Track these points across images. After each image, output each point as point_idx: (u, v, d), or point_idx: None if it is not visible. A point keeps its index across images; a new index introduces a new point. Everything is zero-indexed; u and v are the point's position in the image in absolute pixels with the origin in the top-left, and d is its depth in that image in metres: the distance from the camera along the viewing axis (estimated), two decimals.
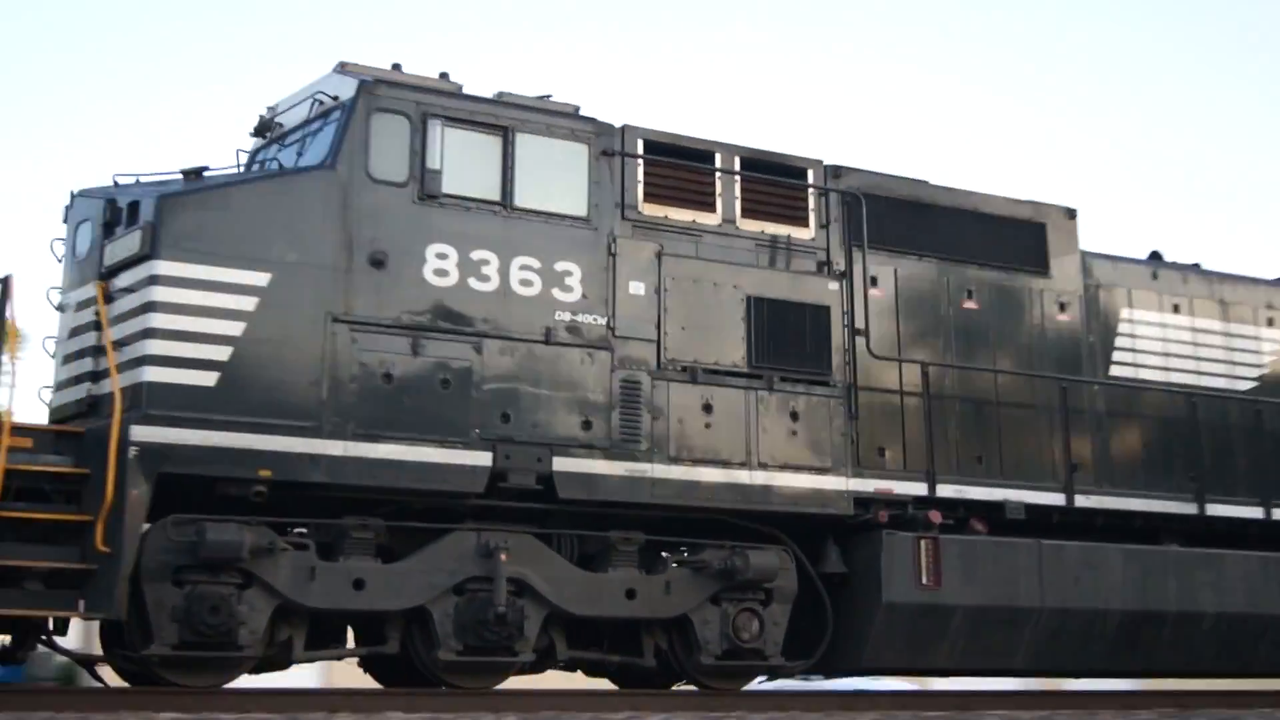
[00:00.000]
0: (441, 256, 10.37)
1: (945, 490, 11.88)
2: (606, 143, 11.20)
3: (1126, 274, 13.97)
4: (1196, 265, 14.63)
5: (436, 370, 10.23)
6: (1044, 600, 12.03)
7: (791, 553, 11.37)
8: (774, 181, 12.17)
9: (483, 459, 10.20)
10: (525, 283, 10.61)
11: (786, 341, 11.46)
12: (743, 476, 11.03)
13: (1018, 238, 13.26)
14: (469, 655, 10.26)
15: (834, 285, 11.80)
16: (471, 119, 10.72)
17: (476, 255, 10.48)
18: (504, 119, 10.83)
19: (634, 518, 10.93)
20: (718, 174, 11.87)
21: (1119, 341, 13.58)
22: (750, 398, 11.24)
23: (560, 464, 10.43)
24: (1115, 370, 13.46)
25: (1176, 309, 14.03)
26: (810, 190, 12.25)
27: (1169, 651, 12.78)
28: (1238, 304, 14.39)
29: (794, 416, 11.36)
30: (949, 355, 12.57)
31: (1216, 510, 13.12)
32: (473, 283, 10.43)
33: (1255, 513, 13.38)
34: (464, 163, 10.61)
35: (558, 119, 11.10)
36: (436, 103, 10.61)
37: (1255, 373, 14.22)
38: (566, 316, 10.71)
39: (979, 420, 12.56)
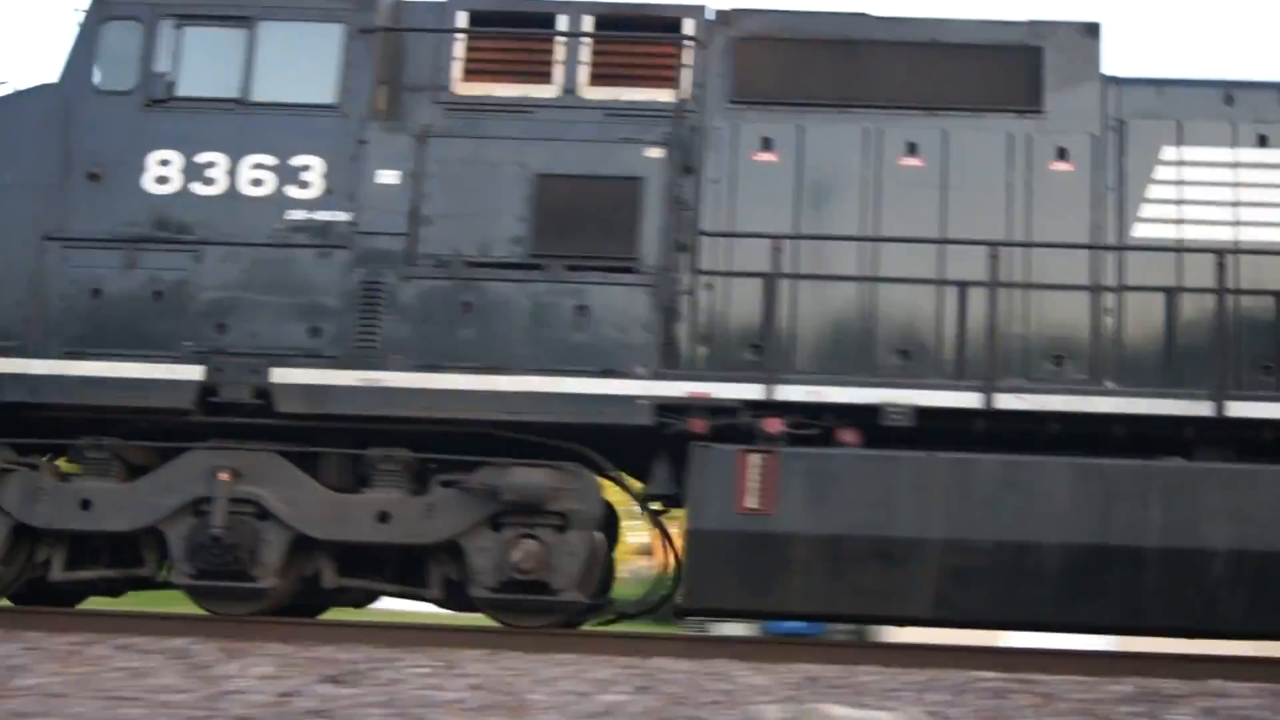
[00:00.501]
0: (163, 164, 9.95)
1: (791, 392, 9.57)
2: (365, 20, 10.12)
3: (1179, 101, 10.50)
4: None
5: (150, 283, 9.83)
6: (937, 531, 9.35)
7: (595, 472, 9.74)
8: (637, 39, 10.45)
9: (193, 373, 9.65)
10: (256, 182, 9.89)
11: (582, 223, 9.78)
12: (504, 383, 9.55)
13: (997, 70, 10.44)
14: (204, 579, 9.75)
15: (653, 153, 9.87)
16: (210, 14, 10.14)
17: (203, 158, 9.93)
18: (248, 8, 10.12)
19: (424, 434, 9.82)
20: (558, 39, 10.38)
21: (1153, 192, 10.26)
22: (524, 291, 9.72)
23: (279, 375, 9.62)
24: (1142, 231, 10.19)
25: (1264, 141, 10.35)
26: (685, 44, 10.39)
27: (1153, 601, 9.47)
28: None
29: (581, 310, 9.68)
30: (871, 228, 10.15)
31: (1242, 410, 9.52)
32: (195, 188, 9.91)
33: None
34: (202, 62, 10.10)
35: (311, 0, 10.19)
36: (172, 2, 10.11)
37: None
38: (301, 215, 9.87)
39: (873, 305, 10.07)
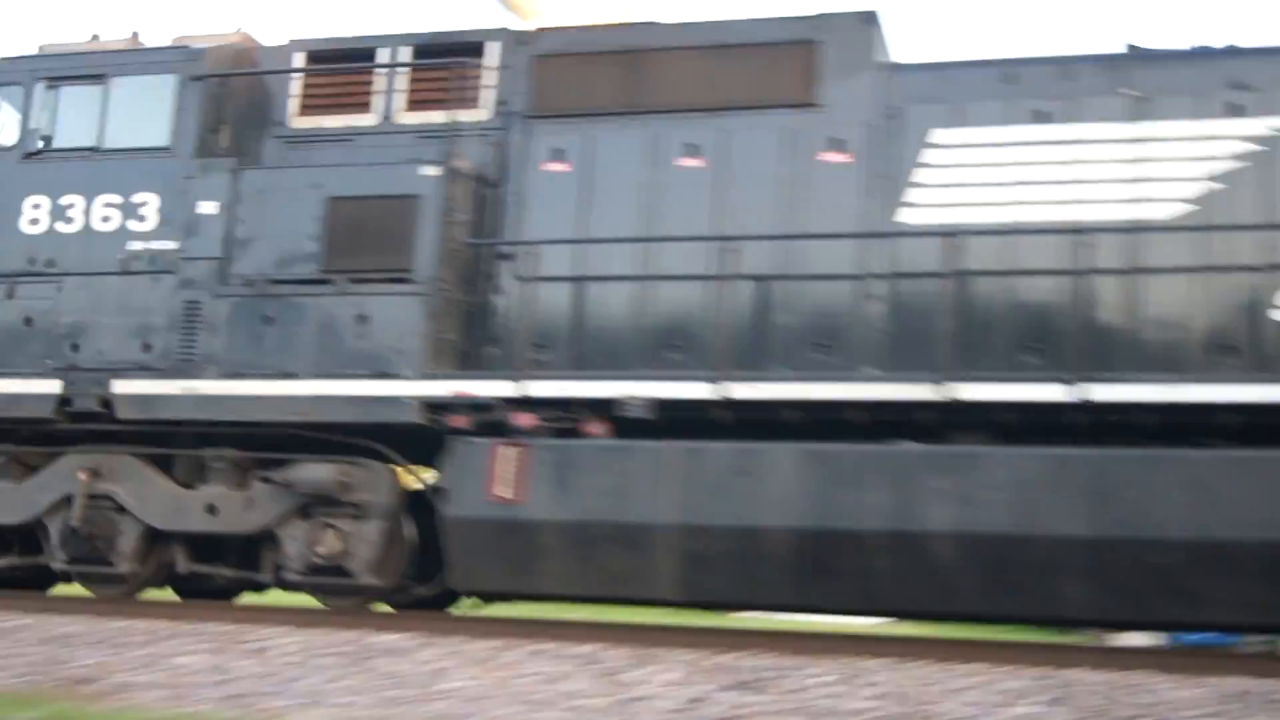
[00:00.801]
0: (35, 207, 11.51)
1: (540, 388, 10.18)
2: (196, 69, 11.36)
3: (955, 84, 10.57)
4: (1122, 52, 10.42)
5: (22, 312, 11.42)
6: (674, 516, 9.77)
7: (388, 466, 10.65)
8: (444, 65, 11.32)
9: (53, 387, 11.16)
10: (105, 219, 11.34)
11: (366, 240, 10.71)
12: (292, 388, 10.60)
13: (774, 67, 10.76)
14: (76, 565, 11.24)
15: (429, 171, 10.67)
16: (75, 74, 11.63)
17: (65, 200, 11.46)
18: (103, 67, 11.55)
19: (253, 435, 10.99)
20: (377, 71, 11.39)
21: (922, 176, 10.30)
22: (315, 304, 10.73)
23: (118, 386, 10.99)
24: (909, 216, 10.24)
25: (1047, 117, 10.21)
26: (486, 67, 11.20)
27: (875, 583, 9.52)
28: (1174, 94, 10.06)
29: (362, 320, 10.61)
30: (649, 229, 10.65)
31: (969, 392, 9.43)
32: (59, 226, 11.45)
33: (1048, 392, 9.37)
34: (69, 117, 11.63)
35: (152, 55, 11.52)
36: (43, 66, 11.70)
37: (1193, 189, 9.86)
38: (139, 246, 11.23)
39: (652, 303, 10.52)
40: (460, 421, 10.30)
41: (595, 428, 10.13)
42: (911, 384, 9.56)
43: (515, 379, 10.24)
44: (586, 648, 8.90)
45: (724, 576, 9.80)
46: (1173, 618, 9.47)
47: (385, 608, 11.36)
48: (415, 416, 10.37)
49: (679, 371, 10.16)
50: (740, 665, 8.31)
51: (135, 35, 12.06)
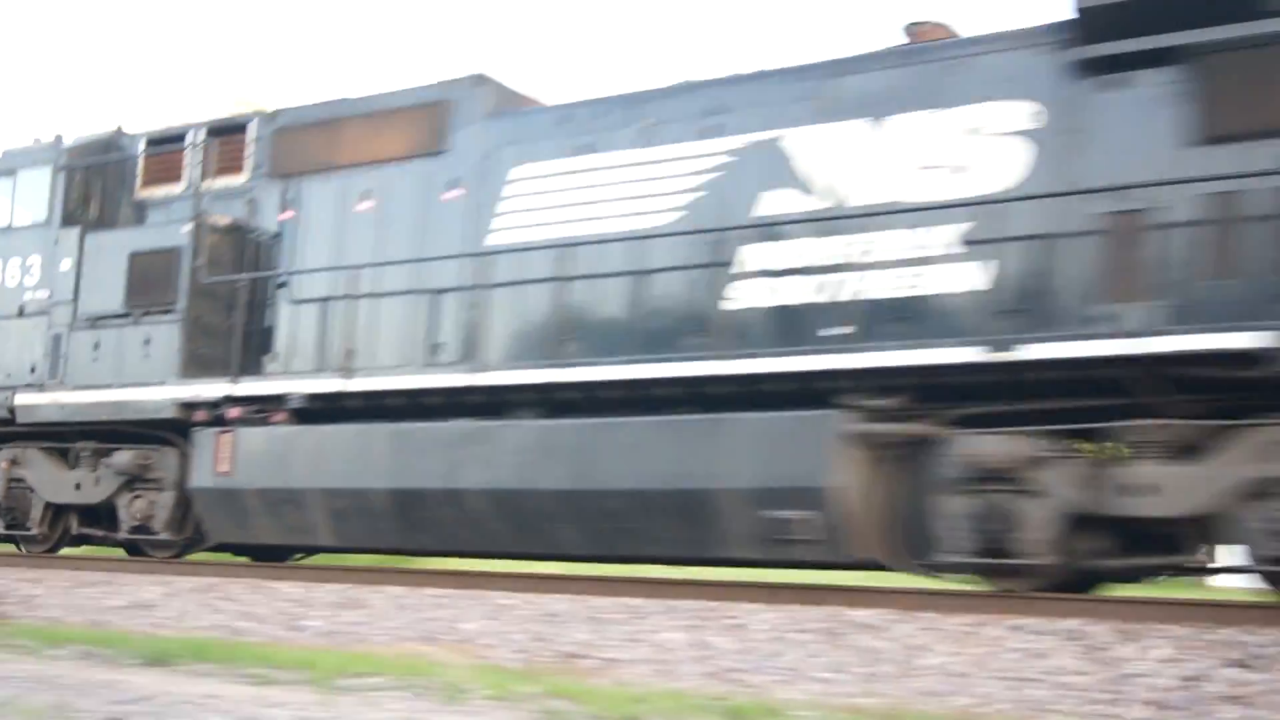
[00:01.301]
0: None
1: (244, 388, 13.66)
2: (63, 160, 15.50)
3: (525, 127, 13.15)
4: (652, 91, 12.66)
5: None
6: (317, 481, 13.10)
7: (176, 450, 14.37)
8: (227, 140, 14.92)
9: None
10: (11, 277, 15.63)
11: (149, 284, 14.44)
12: (109, 395, 14.50)
13: (418, 125, 13.68)
14: (9, 530, 15.64)
15: (186, 228, 14.28)
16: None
17: None
18: (10, 164, 15.92)
19: (105, 430, 14.98)
20: (184, 149, 15.15)
21: (501, 206, 12.98)
22: (121, 333, 14.57)
23: (19, 399, 15.27)
24: (494, 239, 12.91)
25: (591, 149, 12.54)
26: (248, 141, 14.75)
27: (442, 530, 12.51)
28: (667, 122, 12.22)
29: (148, 343, 14.36)
30: (339, 260, 13.84)
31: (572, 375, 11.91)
32: None
33: (641, 371, 11.55)
34: None
35: (37, 152, 15.73)
36: None
37: (683, 200, 11.99)
38: (30, 295, 15.50)
39: (333, 319, 13.84)
40: (201, 416, 13.90)
41: (278, 417, 13.47)
42: (460, 373, 12.43)
43: (232, 381, 13.76)
44: (1070, 623, 8.64)
45: (358, 527, 13.02)
46: (625, 552, 11.86)
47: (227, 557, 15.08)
48: (172, 413, 14.04)
49: (325, 372, 13.39)
50: (1236, 641, 7.94)
51: (118, 129, 16.19)
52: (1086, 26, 10.26)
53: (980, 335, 10.09)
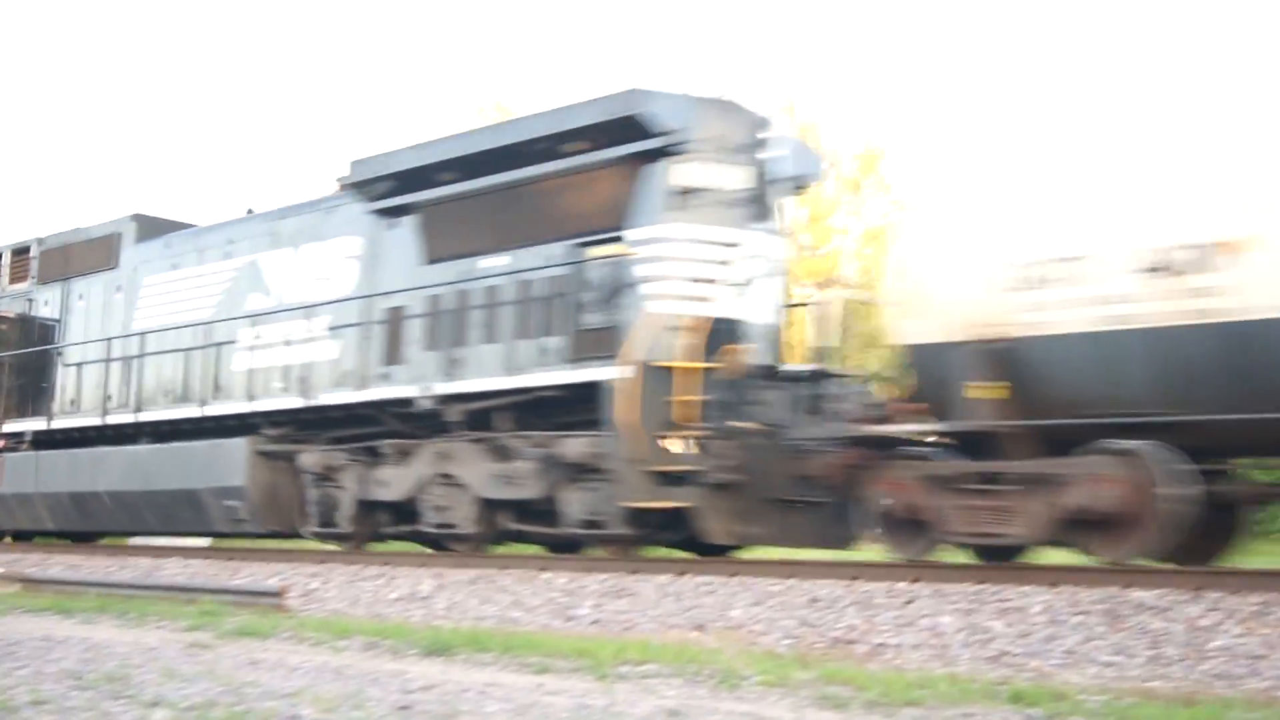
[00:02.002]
0: None
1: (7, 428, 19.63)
2: None
3: (147, 252, 18.73)
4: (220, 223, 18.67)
5: None
6: (39, 488, 18.74)
7: None
8: (18, 257, 20.76)
9: None
10: None
11: None
12: None
13: (103, 248, 19.27)
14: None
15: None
16: None
17: None
18: None
19: None
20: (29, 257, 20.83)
21: (138, 304, 18.40)
22: None
23: None
24: (138, 324, 18.20)
25: (175, 267, 18.13)
26: (31, 258, 20.53)
27: (95, 517, 18.46)
28: (209, 249, 17.75)
29: None
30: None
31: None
32: None
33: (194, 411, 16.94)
34: None
35: None
36: None
37: (212, 302, 17.31)
38: None
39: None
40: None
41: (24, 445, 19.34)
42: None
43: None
44: None
45: (60, 516, 18.90)
46: (166, 529, 18.70)
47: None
48: None
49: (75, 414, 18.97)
50: None
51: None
52: (364, 190, 15.16)
53: (335, 389, 15.19)
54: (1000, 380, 10.44)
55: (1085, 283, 10.11)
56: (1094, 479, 9.91)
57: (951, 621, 8.92)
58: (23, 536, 20.13)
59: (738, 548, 13.28)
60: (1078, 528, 10.21)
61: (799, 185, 13.77)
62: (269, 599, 11.28)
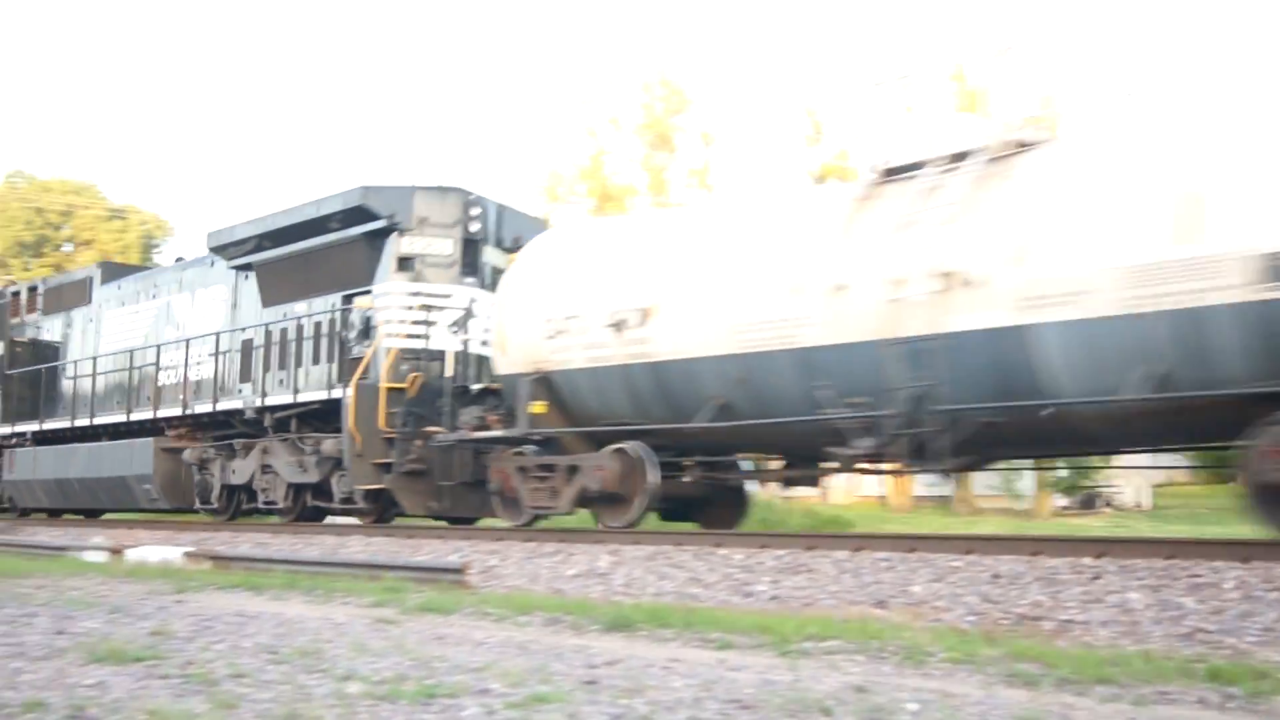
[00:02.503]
0: None
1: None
2: None
3: (108, 292, 25.04)
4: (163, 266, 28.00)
5: None
6: (35, 475, 24.78)
7: None
8: (31, 294, 27.57)
9: None
10: None
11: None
12: None
13: (81, 288, 26.05)
14: None
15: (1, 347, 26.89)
16: None
17: None
18: None
19: None
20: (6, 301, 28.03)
21: (103, 332, 24.80)
22: None
23: None
24: (101, 348, 24.57)
25: (123, 304, 24.51)
26: (37, 295, 27.42)
27: (72, 498, 24.33)
28: (143, 291, 24.17)
29: None
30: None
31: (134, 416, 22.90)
32: None
33: (122, 417, 23.12)
34: None
35: None
36: None
37: (142, 332, 23.58)
38: None
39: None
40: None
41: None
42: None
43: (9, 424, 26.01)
44: None
45: (50, 497, 24.83)
46: (110, 506, 24.32)
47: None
48: None
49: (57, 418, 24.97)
50: None
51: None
52: (223, 253, 21.12)
53: (205, 401, 20.78)
54: (543, 399, 15.23)
55: (582, 334, 14.94)
56: (599, 467, 14.49)
57: (1140, 598, 8.76)
58: (24, 513, 26.10)
59: (474, 519, 18.47)
60: (595, 501, 15.03)
61: (509, 247, 18.57)
62: (451, 575, 11.45)
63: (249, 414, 19.49)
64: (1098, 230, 11.02)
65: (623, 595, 11.01)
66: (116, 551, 15.77)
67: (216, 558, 14.29)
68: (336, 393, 17.73)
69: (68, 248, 65.39)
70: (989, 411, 11.62)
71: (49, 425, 24.62)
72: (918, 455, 12.26)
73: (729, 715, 5.04)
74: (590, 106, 45.24)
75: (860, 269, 12.55)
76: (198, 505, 21.09)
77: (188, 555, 14.62)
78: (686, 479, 14.81)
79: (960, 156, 12.44)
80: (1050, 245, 11.30)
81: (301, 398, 18.57)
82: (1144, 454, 14.20)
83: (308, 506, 19.28)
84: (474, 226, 18.21)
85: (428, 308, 17.70)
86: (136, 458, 21.83)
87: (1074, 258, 11.10)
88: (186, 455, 21.11)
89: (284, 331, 19.56)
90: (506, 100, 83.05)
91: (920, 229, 12.21)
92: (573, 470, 14.92)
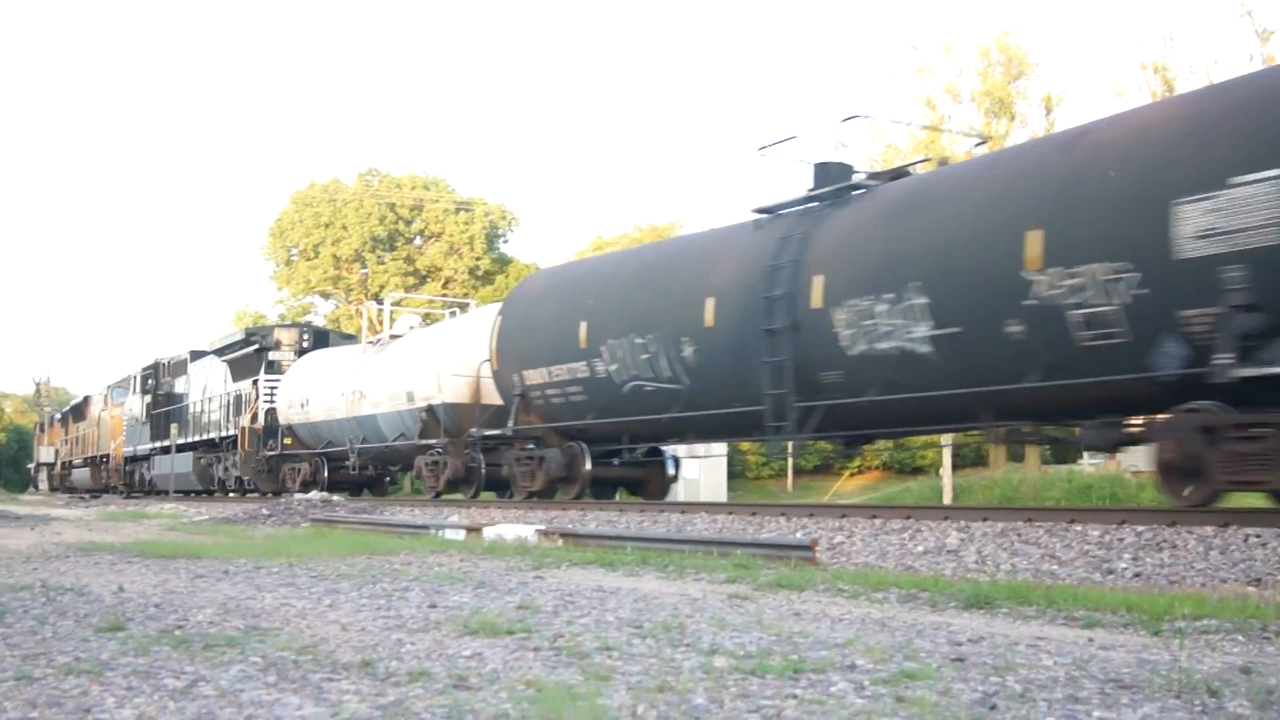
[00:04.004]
0: None
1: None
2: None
3: (192, 367, 40.68)
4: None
5: None
6: (167, 471, 41.65)
7: None
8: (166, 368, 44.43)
9: None
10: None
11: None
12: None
13: (183, 365, 42.12)
14: None
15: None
16: None
17: None
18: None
19: None
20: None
21: (191, 390, 40.91)
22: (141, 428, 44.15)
23: None
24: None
25: (190, 376, 40.80)
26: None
27: (176, 486, 40.92)
28: (197, 369, 40.30)
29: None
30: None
31: None
32: None
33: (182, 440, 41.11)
34: None
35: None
36: None
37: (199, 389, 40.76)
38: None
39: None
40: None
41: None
42: None
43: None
44: None
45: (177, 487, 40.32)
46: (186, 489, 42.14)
47: None
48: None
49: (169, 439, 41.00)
50: None
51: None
52: (218, 355, 38.21)
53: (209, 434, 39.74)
54: (289, 437, 33.98)
55: (295, 406, 33.60)
56: (296, 469, 34.05)
57: None
58: (161, 492, 42.29)
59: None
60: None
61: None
62: (800, 552, 11.44)
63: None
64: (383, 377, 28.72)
65: (976, 572, 10.78)
66: (474, 529, 16.44)
67: (567, 535, 14.70)
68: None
69: (417, 241, 68.57)
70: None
71: (167, 443, 41.10)
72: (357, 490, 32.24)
73: (1108, 695, 4.84)
74: (926, 76, 44.46)
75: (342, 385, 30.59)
76: (213, 488, 39.07)
77: (540, 533, 15.10)
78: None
79: (375, 342, 30.54)
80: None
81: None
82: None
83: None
84: (305, 344, 35.68)
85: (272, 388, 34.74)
86: (184, 464, 39.74)
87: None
88: (201, 461, 39.08)
89: (238, 395, 36.27)
90: (847, 70, 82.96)
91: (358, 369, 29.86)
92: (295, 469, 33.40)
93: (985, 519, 12.93)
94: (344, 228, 66.86)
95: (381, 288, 67.32)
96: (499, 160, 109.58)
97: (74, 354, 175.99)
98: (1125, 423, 12.99)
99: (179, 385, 41.37)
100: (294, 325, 37.19)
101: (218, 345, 38.28)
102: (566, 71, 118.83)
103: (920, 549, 12.22)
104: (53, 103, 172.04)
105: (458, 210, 67.32)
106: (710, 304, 17.18)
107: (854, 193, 16.46)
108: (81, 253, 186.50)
